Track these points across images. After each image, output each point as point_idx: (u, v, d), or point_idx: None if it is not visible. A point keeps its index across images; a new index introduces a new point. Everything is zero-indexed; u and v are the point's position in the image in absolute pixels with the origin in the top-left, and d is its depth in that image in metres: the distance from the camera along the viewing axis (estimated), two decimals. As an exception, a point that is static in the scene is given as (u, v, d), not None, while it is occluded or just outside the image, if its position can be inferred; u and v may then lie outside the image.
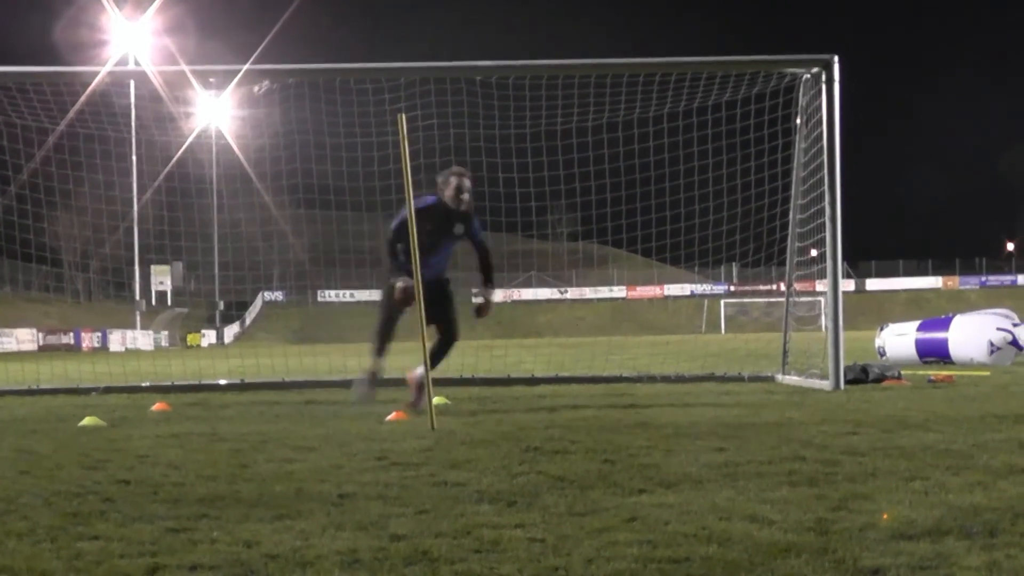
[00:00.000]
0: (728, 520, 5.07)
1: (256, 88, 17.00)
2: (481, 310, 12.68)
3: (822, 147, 15.27)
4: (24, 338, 69.36)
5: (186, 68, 16.86)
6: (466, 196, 12.33)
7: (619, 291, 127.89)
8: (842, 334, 14.83)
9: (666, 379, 16.61)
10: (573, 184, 20.24)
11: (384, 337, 12.66)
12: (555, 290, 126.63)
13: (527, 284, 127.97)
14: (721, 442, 8.09)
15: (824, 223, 15.29)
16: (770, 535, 4.73)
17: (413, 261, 10.88)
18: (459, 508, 5.56)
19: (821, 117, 15.30)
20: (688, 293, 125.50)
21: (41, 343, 70.57)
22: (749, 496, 5.72)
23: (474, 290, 12.34)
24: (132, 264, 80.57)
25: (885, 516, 4.51)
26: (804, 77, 15.94)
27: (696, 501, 5.60)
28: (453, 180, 12.34)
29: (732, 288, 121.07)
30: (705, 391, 14.37)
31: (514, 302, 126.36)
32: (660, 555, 4.41)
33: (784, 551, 4.43)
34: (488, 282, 12.74)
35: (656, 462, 7.08)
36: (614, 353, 30.09)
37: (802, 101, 16.16)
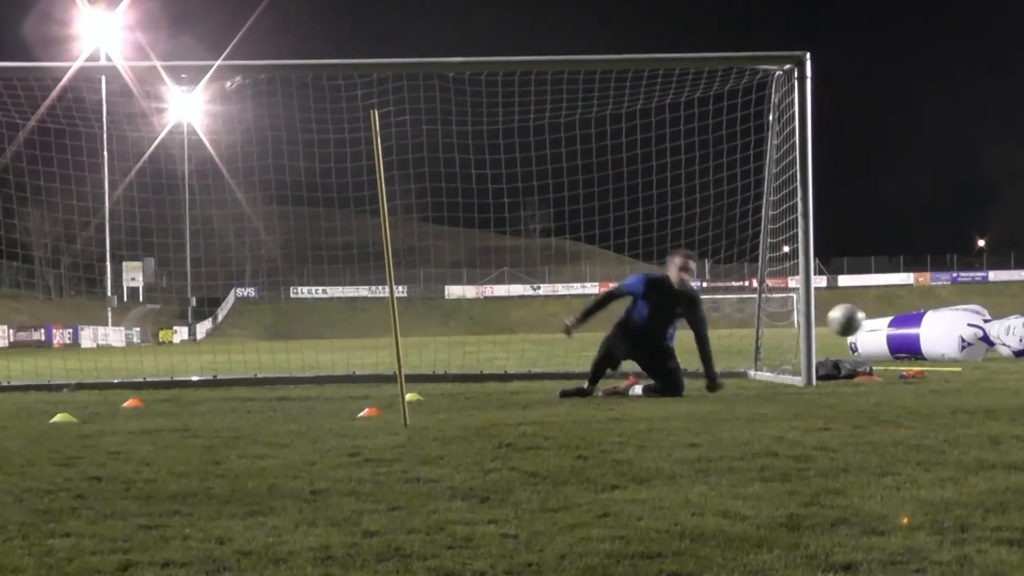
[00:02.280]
0: (700, 516, 5.08)
1: (228, 84, 16.97)
2: (709, 389, 13.15)
3: (794, 144, 15.31)
4: (-8, 335, 69.00)
5: (158, 64, 16.80)
6: (687, 276, 13.16)
7: (592, 287, 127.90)
8: (814, 330, 14.88)
9: (639, 375, 16.62)
10: (546, 180, 20.25)
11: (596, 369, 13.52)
12: (528, 286, 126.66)
13: (500, 280, 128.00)
14: (694, 438, 8.10)
15: (796, 219, 15.33)
16: (742, 530, 4.74)
17: None
18: (432, 504, 5.56)
19: (793, 114, 15.34)
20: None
21: (12, 340, 70.19)
22: (721, 491, 5.73)
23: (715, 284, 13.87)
24: (104, 260, 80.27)
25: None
26: (776, 74, 15.98)
27: (669, 497, 5.60)
28: (678, 260, 13.27)
29: (704, 284, 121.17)
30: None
31: (487, 298, 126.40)
32: (632, 551, 4.42)
33: (756, 546, 4.44)
34: (705, 364, 13.36)
35: (629, 458, 7.09)
36: (587, 349, 30.06)
37: (774, 98, 16.20)
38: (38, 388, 16.54)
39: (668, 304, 13.20)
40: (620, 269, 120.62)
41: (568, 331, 13.47)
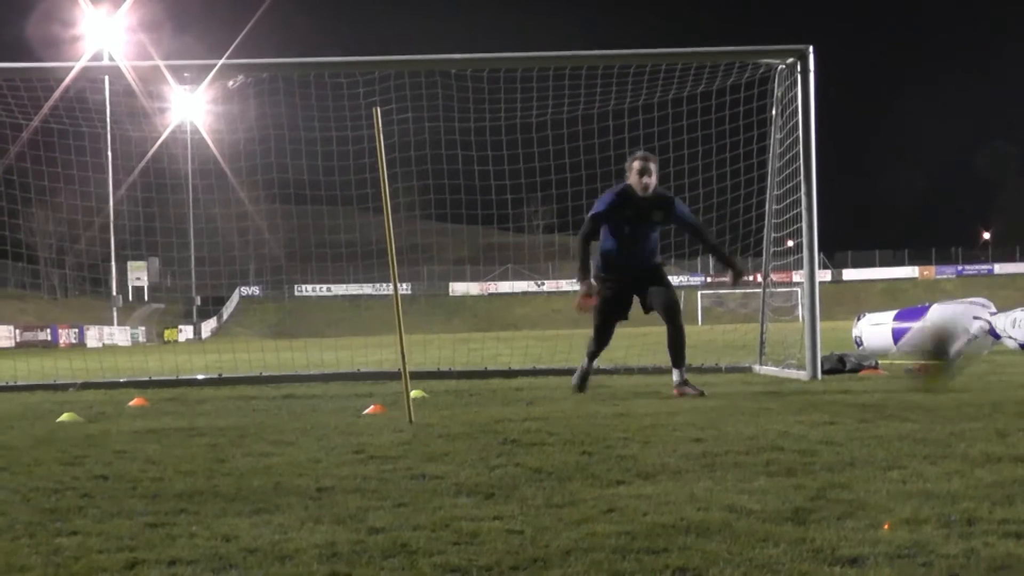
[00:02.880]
0: (706, 510, 5.07)
1: (231, 83, 16.98)
2: (737, 278, 12.51)
3: (798, 138, 15.29)
4: (1, 335, 69.05)
5: (160, 63, 16.80)
6: (648, 180, 12.17)
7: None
8: (819, 324, 14.87)
9: (643, 371, 16.62)
10: (549, 176, 20.23)
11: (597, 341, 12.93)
12: (532, 283, 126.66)
13: (504, 277, 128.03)
14: (699, 433, 8.10)
15: (800, 213, 15.32)
16: (748, 525, 4.74)
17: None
18: (437, 501, 5.56)
19: (796, 108, 15.33)
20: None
21: (18, 340, 70.27)
22: (727, 486, 5.73)
23: (721, 280, 12.97)
24: (108, 260, 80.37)
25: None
26: (779, 68, 15.97)
27: (674, 491, 5.60)
28: (636, 164, 12.24)
29: (708, 279, 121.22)
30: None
31: (491, 295, 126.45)
32: (638, 545, 4.42)
33: (762, 540, 4.44)
34: (723, 257, 12.61)
35: (634, 453, 7.09)
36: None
37: (777, 92, 16.18)
38: (44, 388, 16.56)
39: (642, 215, 12.24)
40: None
41: (591, 292, 12.32)
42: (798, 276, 16.09)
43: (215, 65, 15.70)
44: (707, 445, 7.37)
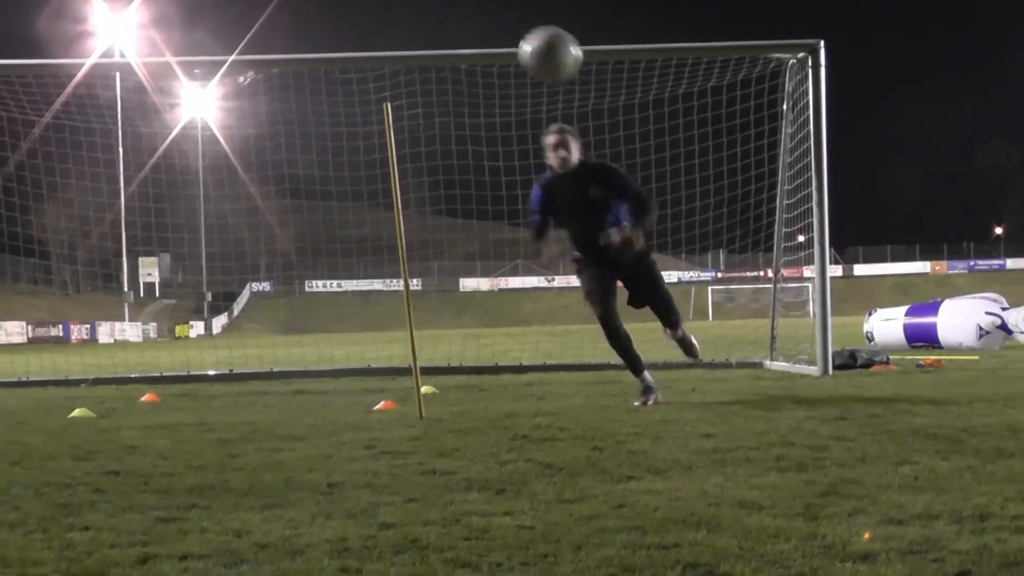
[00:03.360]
0: (717, 506, 5.07)
1: (241, 79, 16.97)
2: (623, 244, 10.34)
3: (808, 132, 15.27)
4: (13, 330, 69.20)
5: (171, 59, 16.83)
6: (565, 153, 10.41)
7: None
8: (830, 319, 14.85)
9: (654, 366, 16.60)
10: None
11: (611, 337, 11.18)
12: (542, 278, 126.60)
13: (514, 272, 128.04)
14: (709, 428, 8.10)
15: (811, 208, 15.30)
16: (759, 521, 4.73)
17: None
18: (448, 496, 5.57)
19: (807, 102, 15.31)
20: (675, 280, 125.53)
21: (30, 335, 70.42)
22: (738, 482, 5.72)
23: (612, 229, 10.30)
24: (120, 256, 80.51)
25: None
26: (790, 62, 15.94)
27: (685, 487, 5.60)
28: (549, 139, 10.53)
29: (719, 275, 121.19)
30: (693, 377, 14.40)
31: (501, 291, 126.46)
32: (649, 541, 4.42)
33: (773, 536, 4.44)
34: (636, 222, 10.33)
35: (645, 449, 7.09)
36: (602, 341, 30.04)
37: (788, 86, 16.16)
38: (56, 383, 16.60)
39: (576, 195, 10.49)
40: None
41: (552, 247, 10.86)
42: (809, 271, 16.08)
43: (226, 61, 15.72)
44: (718, 441, 7.36)
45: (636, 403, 10.47)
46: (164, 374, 17.61)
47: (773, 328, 17.22)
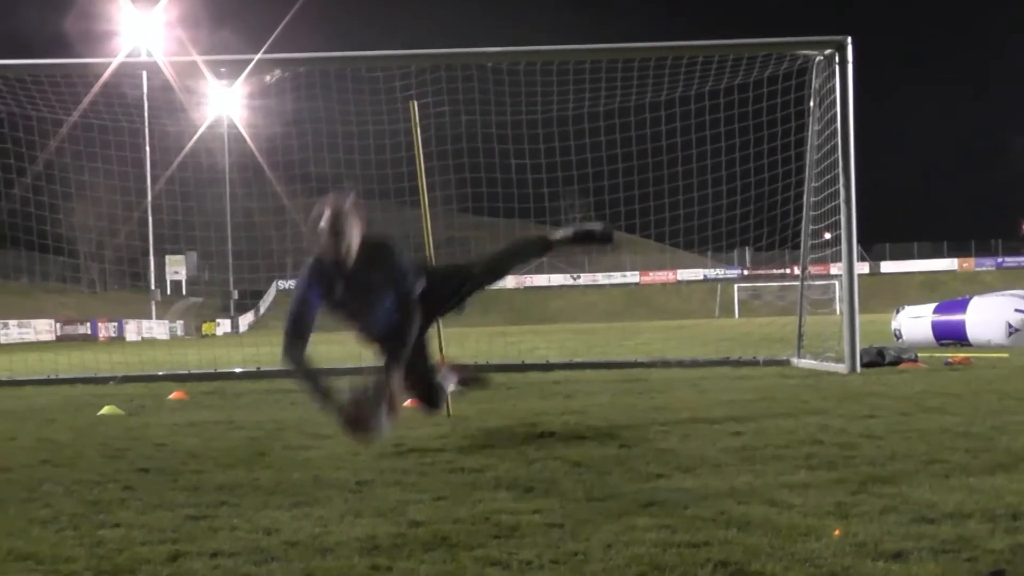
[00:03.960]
0: (747, 504, 5.06)
1: (268, 77, 17.00)
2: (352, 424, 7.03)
3: (836, 129, 15.22)
4: (42, 328, 69.47)
5: (198, 58, 16.88)
6: (344, 240, 7.52)
7: (632, 276, 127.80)
8: (858, 317, 14.80)
9: (681, 364, 16.60)
10: (585, 170, 20.21)
11: None
12: (567, 276, 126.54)
13: (539, 270, 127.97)
14: (738, 426, 8.08)
15: (838, 205, 15.25)
16: (789, 519, 4.72)
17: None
18: (477, 494, 5.57)
19: (835, 99, 15.25)
20: (701, 278, 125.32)
21: (59, 333, 70.67)
22: (767, 480, 5.71)
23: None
24: (147, 254, 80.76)
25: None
26: (817, 59, 15.89)
27: (714, 485, 5.59)
28: (322, 224, 7.58)
29: (745, 272, 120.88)
30: (720, 375, 14.36)
31: (527, 288, 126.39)
32: (679, 539, 4.41)
33: (804, 535, 4.42)
34: (389, 364, 7.63)
35: (673, 447, 7.08)
36: (628, 338, 30.08)
37: (815, 83, 16.10)
38: (85, 381, 16.66)
39: (356, 288, 7.71)
40: (660, 258, 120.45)
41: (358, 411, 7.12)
42: (836, 268, 16.02)
43: (252, 60, 15.75)
44: (746, 439, 7.35)
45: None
46: (192, 372, 17.65)
47: (800, 325, 17.17)
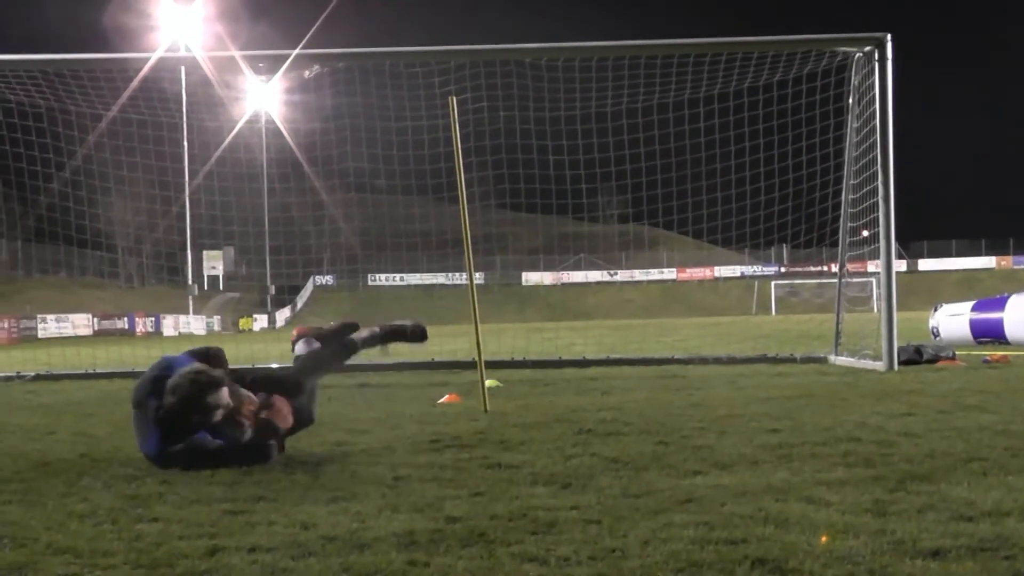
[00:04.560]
0: (784, 501, 5.04)
1: (306, 72, 17.04)
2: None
3: (874, 127, 15.14)
4: (80, 323, 69.89)
5: (236, 54, 16.93)
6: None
7: (669, 273, 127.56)
8: (895, 314, 14.73)
9: (718, 360, 16.56)
10: (623, 166, 20.18)
11: None
12: (604, 272, 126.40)
13: (577, 267, 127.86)
14: (774, 423, 8.06)
15: (876, 203, 15.18)
16: (827, 516, 4.70)
17: None
18: (514, 490, 5.57)
19: (874, 96, 15.17)
20: (738, 275, 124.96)
21: (96, 328, 71.07)
22: (805, 477, 5.69)
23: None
24: (184, 249, 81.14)
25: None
26: (856, 56, 15.81)
27: (751, 482, 5.58)
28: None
29: (783, 269, 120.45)
30: (757, 372, 14.32)
31: (564, 285, 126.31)
32: (717, 536, 4.40)
33: (842, 532, 4.41)
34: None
35: (710, 443, 7.06)
36: (664, 335, 30.03)
37: (854, 80, 16.03)
38: (122, 376, 16.74)
39: None
40: (698, 254, 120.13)
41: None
42: (873, 266, 15.94)
43: (290, 55, 15.80)
44: (783, 436, 7.33)
45: None
46: (229, 367, 17.73)
47: (838, 323, 17.11)
